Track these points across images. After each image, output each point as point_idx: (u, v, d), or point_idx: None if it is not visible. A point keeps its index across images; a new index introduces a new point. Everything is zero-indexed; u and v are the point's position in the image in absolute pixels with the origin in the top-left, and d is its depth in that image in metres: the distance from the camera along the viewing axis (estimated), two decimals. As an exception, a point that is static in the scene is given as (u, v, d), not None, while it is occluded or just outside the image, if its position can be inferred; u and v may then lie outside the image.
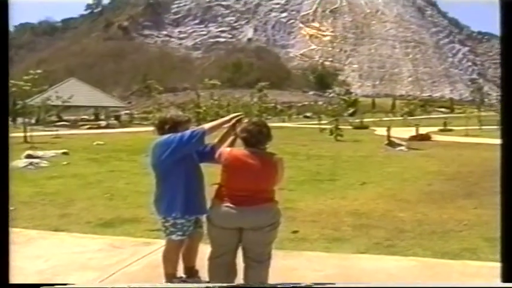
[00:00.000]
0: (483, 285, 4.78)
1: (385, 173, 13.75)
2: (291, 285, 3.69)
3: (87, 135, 32.27)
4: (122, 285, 4.77)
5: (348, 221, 7.71)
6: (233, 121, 4.39)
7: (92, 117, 61.35)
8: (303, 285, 3.68)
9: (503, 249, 3.79)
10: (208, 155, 4.42)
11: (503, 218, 3.81)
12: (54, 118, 48.69)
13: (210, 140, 4.52)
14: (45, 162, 15.46)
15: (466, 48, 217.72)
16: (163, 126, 4.44)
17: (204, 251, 4.39)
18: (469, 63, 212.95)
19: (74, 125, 49.62)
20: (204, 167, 4.55)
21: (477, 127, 40.08)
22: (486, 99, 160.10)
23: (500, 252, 3.81)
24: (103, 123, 52.60)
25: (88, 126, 47.99)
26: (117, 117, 60.47)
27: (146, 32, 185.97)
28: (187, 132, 4.28)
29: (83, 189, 11.08)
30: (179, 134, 4.27)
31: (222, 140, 4.46)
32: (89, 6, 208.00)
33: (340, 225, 7.40)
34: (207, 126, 4.44)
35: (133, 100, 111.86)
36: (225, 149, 4.19)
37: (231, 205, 4.02)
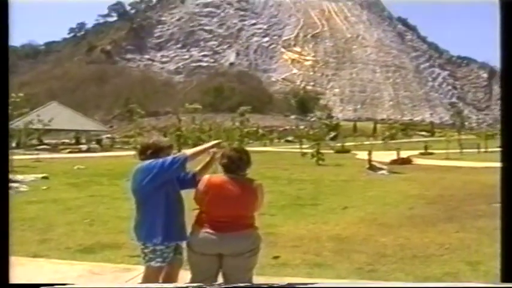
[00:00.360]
0: (483, 285, 4.78)
1: (366, 197, 13.79)
2: (287, 285, 3.67)
3: (68, 159, 32.02)
4: (123, 285, 4.67)
5: (330, 246, 7.70)
6: (214, 148, 4.41)
7: (73, 141, 60.81)
8: (299, 285, 3.66)
9: (503, 249, 3.78)
10: (190, 181, 4.42)
11: (504, 217, 3.80)
12: (35, 142, 48.23)
13: (193, 165, 4.52)
14: (24, 186, 15.28)
15: (446, 73, 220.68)
16: (146, 151, 4.42)
17: (185, 277, 4.35)
18: (449, 87, 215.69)
19: (54, 148, 49.13)
20: (185, 193, 4.53)
21: (458, 150, 40.48)
22: (466, 123, 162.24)
23: (500, 252, 3.81)
24: (84, 147, 52.20)
25: (69, 150, 47.59)
26: (99, 141, 60.02)
27: (129, 55, 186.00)
28: (169, 158, 4.27)
29: (63, 214, 10.95)
30: (161, 160, 4.26)
31: (204, 168, 4.47)
32: (72, 29, 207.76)
33: (321, 250, 7.38)
34: (188, 152, 4.44)
35: (115, 124, 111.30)
36: (204, 176, 4.20)
37: (211, 231, 4.01)
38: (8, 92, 3.86)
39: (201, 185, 4.16)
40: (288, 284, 3.77)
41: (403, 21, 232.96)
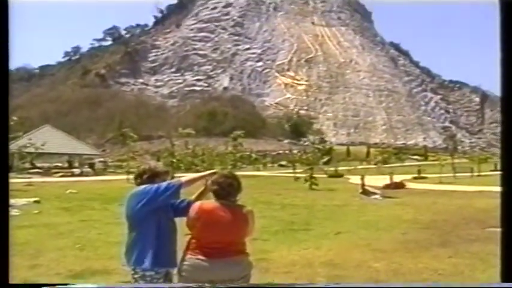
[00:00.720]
0: (483, 285, 4.74)
1: (360, 222, 13.75)
2: (287, 285, 3.65)
3: (60, 183, 31.87)
4: (122, 286, 4.58)
5: (322, 271, 7.64)
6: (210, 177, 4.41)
7: (66, 165, 60.60)
8: (299, 285, 3.63)
9: (503, 249, 3.76)
10: (184, 209, 4.39)
11: (503, 217, 3.78)
12: (27, 165, 48.01)
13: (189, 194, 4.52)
14: (16, 210, 15.16)
15: (438, 97, 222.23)
16: (142, 175, 4.44)
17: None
18: (442, 111, 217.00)
19: (47, 172, 48.91)
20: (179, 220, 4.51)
21: (451, 174, 40.59)
22: (459, 147, 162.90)
23: (500, 252, 3.78)
24: (77, 171, 52.03)
25: (61, 173, 47.42)
26: (91, 165, 59.84)
27: (123, 79, 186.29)
28: (164, 184, 4.27)
29: (54, 239, 10.85)
30: (155, 185, 4.26)
31: (199, 196, 4.48)
32: (67, 53, 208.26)
33: (314, 277, 7.32)
34: (184, 179, 4.43)
35: (108, 148, 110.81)
36: (195, 202, 4.19)
37: (202, 257, 3.98)
38: (8, 116, 3.85)
39: (192, 211, 4.15)
40: (288, 284, 3.75)
41: (396, 46, 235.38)
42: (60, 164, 63.27)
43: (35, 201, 17.82)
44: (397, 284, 4.38)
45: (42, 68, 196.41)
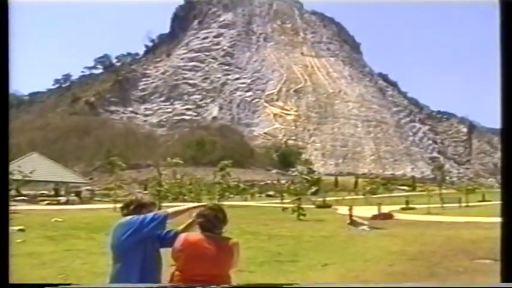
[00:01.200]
0: (483, 285, 4.70)
1: (347, 254, 13.68)
2: (287, 285, 3.60)
3: (45, 211, 31.57)
4: (119, 285, 4.48)
5: (309, 304, 7.55)
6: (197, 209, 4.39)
7: (52, 193, 60.07)
8: (299, 285, 3.58)
9: (503, 249, 3.73)
10: (171, 240, 4.36)
11: (504, 217, 3.76)
12: (13, 193, 47.50)
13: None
14: (-1, 239, 14.90)
15: (426, 127, 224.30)
16: (128, 206, 4.45)
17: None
18: (430, 142, 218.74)
19: (32, 200, 48.37)
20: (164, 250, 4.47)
21: (439, 205, 40.67)
22: (447, 177, 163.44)
23: (500, 252, 3.76)
24: (63, 199, 51.52)
25: (47, 201, 46.95)
26: (78, 193, 59.34)
27: (112, 108, 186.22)
28: (150, 215, 4.26)
29: (37, 269, 10.68)
30: (141, 216, 4.25)
31: (186, 228, 4.45)
32: (57, 81, 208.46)
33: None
34: (170, 210, 4.43)
35: (96, 176, 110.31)
36: (181, 234, 4.16)
37: (186, 290, 3.93)
38: (7, 140, 3.82)
39: (177, 243, 4.12)
40: (288, 284, 3.71)
41: (384, 77, 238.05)
42: (46, 192, 62.68)
43: (19, 230, 17.56)
44: (397, 284, 4.34)
45: (32, 94, 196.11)
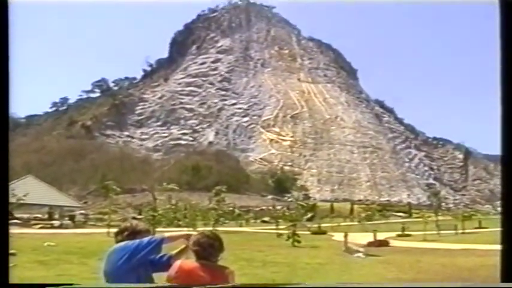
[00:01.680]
0: (483, 285, 4.60)
1: (342, 281, 13.52)
2: (287, 285, 3.50)
3: (38, 235, 31.30)
4: (119, 285, 4.37)
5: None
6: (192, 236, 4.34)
7: (46, 216, 59.70)
8: (299, 285, 3.49)
9: (503, 249, 3.66)
10: (164, 265, 4.33)
11: (504, 216, 3.68)
12: (6, 216, 47.13)
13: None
14: (-11, 264, 14.70)
15: (422, 154, 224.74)
16: (122, 233, 4.44)
17: None
18: (426, 168, 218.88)
19: (26, 223, 48.05)
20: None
21: (435, 232, 40.51)
22: (443, 204, 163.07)
23: (500, 252, 3.69)
24: (56, 223, 51.22)
25: (40, 225, 46.64)
26: (72, 217, 59.00)
27: (108, 131, 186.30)
28: (145, 239, 4.22)
29: (26, 294, 10.48)
30: (137, 241, 4.21)
31: (179, 253, 4.42)
32: (54, 104, 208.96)
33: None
34: (166, 234, 4.39)
35: (90, 200, 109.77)
36: (176, 261, 4.10)
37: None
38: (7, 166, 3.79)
39: (172, 271, 4.08)
40: (288, 284, 3.62)
41: (380, 104, 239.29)
42: (40, 215, 62.33)
43: (11, 254, 17.27)
44: (397, 284, 4.24)
45: (28, 117, 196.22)
